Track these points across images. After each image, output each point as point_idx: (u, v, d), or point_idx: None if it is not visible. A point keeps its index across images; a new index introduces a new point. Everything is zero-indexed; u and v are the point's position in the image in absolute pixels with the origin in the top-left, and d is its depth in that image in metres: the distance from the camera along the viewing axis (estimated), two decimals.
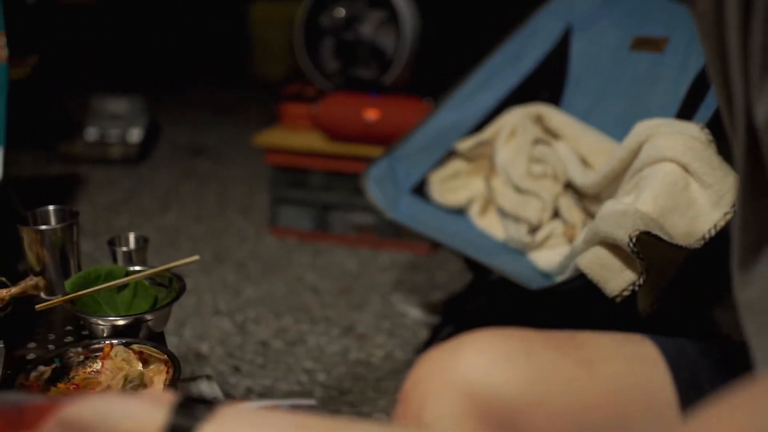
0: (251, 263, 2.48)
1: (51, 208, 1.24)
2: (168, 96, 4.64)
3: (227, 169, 3.46)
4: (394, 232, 2.54)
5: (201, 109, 4.54)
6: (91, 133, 3.65)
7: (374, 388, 1.79)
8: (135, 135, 3.66)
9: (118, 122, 3.67)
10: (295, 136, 2.65)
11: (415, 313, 2.13)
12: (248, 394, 1.71)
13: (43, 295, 1.18)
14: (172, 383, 0.93)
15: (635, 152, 1.35)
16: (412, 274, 2.41)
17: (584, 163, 1.70)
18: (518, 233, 1.67)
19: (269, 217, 2.73)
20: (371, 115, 2.48)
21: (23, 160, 3.41)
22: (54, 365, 0.95)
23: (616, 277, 1.11)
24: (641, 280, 1.07)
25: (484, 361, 0.69)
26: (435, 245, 2.49)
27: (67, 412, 0.51)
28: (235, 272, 2.41)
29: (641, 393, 0.71)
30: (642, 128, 1.34)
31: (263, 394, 1.69)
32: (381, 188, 1.81)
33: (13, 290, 1.13)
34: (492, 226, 1.79)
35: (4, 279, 1.16)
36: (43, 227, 1.20)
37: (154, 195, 3.15)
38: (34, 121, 3.39)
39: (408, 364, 1.86)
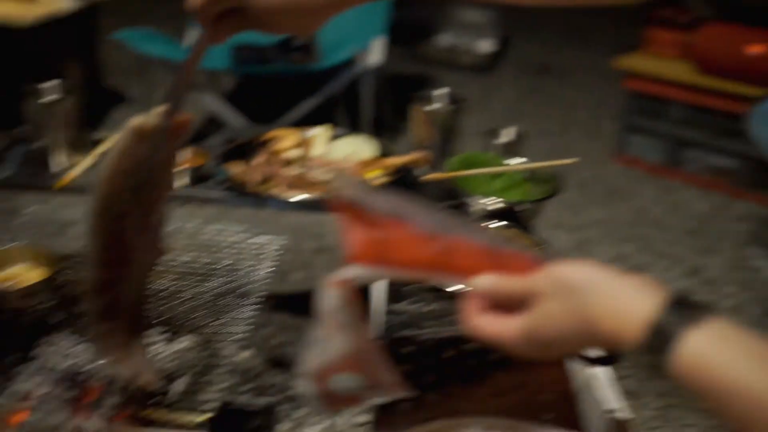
0: (593, 186, 2.43)
1: (440, 91, 1.29)
2: (520, 12, 4.61)
3: (573, 91, 3.37)
4: (754, 182, 2.32)
5: (551, 28, 4.45)
6: (445, 39, 3.79)
7: None
8: (485, 46, 3.73)
9: (470, 32, 3.76)
10: (661, 64, 2.50)
11: None
12: None
13: (424, 169, 1.24)
14: None
15: None
16: None
17: None
18: None
19: (616, 145, 2.63)
20: (756, 49, 2.25)
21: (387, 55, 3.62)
22: None
23: None
24: None
25: None
26: None
27: (560, 269, 0.50)
28: (577, 192, 2.37)
29: None
30: None
31: None
32: None
33: (404, 159, 1.20)
34: None
35: (395, 148, 1.24)
36: (433, 107, 1.24)
37: (499, 105, 3.19)
38: (396, 22, 3.58)
39: (760, 321, 1.71)
